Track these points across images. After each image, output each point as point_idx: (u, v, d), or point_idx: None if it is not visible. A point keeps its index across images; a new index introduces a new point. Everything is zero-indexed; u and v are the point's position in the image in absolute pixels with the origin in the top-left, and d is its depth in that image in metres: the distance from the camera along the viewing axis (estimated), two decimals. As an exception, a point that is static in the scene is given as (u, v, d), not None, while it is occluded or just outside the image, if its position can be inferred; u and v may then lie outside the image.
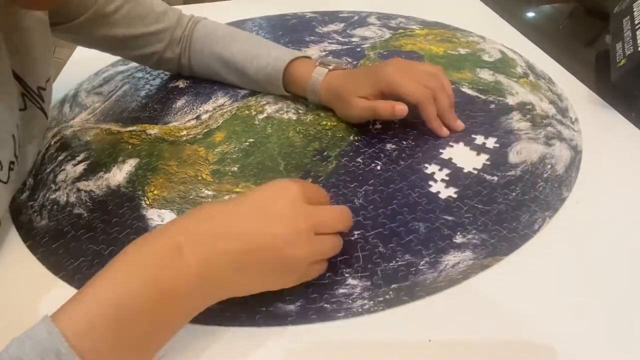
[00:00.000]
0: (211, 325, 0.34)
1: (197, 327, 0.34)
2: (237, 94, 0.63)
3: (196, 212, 0.32)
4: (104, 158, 0.53)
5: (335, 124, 0.56)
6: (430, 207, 0.43)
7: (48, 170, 0.52)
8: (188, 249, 0.29)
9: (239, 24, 0.84)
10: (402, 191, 0.45)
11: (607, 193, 0.44)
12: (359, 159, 0.50)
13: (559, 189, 0.44)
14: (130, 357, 0.28)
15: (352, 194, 0.45)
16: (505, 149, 0.50)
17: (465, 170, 0.47)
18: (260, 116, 0.58)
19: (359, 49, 0.73)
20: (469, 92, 0.60)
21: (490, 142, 0.51)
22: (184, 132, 0.56)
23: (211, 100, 0.62)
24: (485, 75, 0.63)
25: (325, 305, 0.35)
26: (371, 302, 0.35)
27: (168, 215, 0.44)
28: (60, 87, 0.69)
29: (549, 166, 0.47)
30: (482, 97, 0.58)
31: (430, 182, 0.46)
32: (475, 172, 0.47)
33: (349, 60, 0.70)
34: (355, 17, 0.85)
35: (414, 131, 0.53)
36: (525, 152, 0.49)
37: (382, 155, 0.50)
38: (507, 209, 0.42)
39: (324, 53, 0.73)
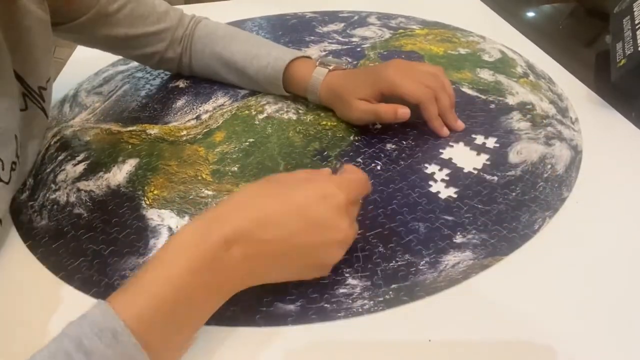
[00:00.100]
0: (211, 325, 0.34)
1: (197, 327, 0.34)
2: (237, 94, 0.63)
3: (243, 205, 0.32)
4: (104, 158, 0.53)
5: (335, 124, 0.56)
6: (430, 207, 0.43)
7: (48, 170, 0.52)
8: (236, 247, 0.30)
9: (239, 24, 0.84)
10: (402, 191, 0.45)
11: (607, 193, 0.44)
12: (359, 159, 0.50)
13: (559, 189, 0.44)
14: (175, 336, 0.30)
15: (352, 194, 0.45)
16: (505, 149, 0.50)
17: (465, 170, 0.47)
18: (260, 116, 0.58)
19: (359, 49, 0.73)
20: (469, 92, 0.60)
21: (490, 142, 0.51)
22: (184, 132, 0.56)
23: (211, 100, 0.62)
24: (486, 75, 0.63)
25: (326, 305, 0.35)
26: (371, 302, 0.35)
27: (168, 215, 0.44)
28: (60, 87, 0.69)
29: (549, 166, 0.47)
30: (482, 97, 0.58)
31: (430, 182, 0.46)
32: (475, 172, 0.47)
33: (349, 60, 0.70)
34: (355, 17, 0.85)
35: (414, 131, 0.53)
36: (525, 152, 0.49)
37: (382, 155, 0.50)
38: (507, 209, 0.42)
39: (324, 53, 0.73)
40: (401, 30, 0.78)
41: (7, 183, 0.42)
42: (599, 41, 0.73)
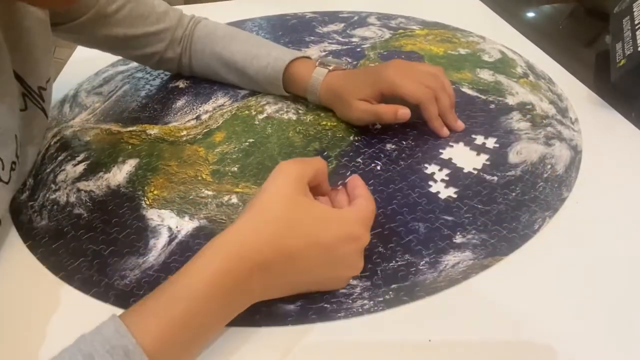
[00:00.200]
0: (211, 325, 0.34)
1: (197, 327, 0.34)
2: (237, 94, 0.63)
3: (273, 237, 0.32)
4: (104, 158, 0.53)
5: (335, 124, 0.56)
6: (430, 207, 0.43)
7: (48, 170, 0.52)
8: (256, 277, 0.31)
9: (239, 24, 0.85)
10: (402, 191, 0.45)
11: (607, 193, 0.44)
12: (358, 159, 0.50)
13: (559, 189, 0.44)
14: (184, 353, 0.30)
15: (352, 194, 0.45)
16: (505, 149, 0.50)
17: (465, 170, 0.47)
18: (260, 116, 0.58)
19: (359, 49, 0.73)
20: (469, 92, 0.60)
21: (490, 142, 0.51)
22: (184, 132, 0.56)
23: (211, 101, 0.62)
24: (485, 75, 0.63)
25: (325, 305, 0.35)
26: (371, 302, 0.35)
27: (168, 215, 0.44)
28: (60, 87, 0.69)
29: (549, 166, 0.47)
30: (482, 97, 0.58)
31: (430, 182, 0.46)
32: (475, 172, 0.47)
33: (349, 60, 0.70)
34: (355, 17, 0.85)
35: (414, 131, 0.53)
36: (525, 152, 0.49)
37: (382, 156, 0.50)
38: (507, 209, 0.42)
39: (324, 53, 0.73)
40: (401, 31, 0.78)
41: (6, 183, 0.42)
42: (599, 41, 0.73)
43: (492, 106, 0.57)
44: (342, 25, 0.82)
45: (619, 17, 0.62)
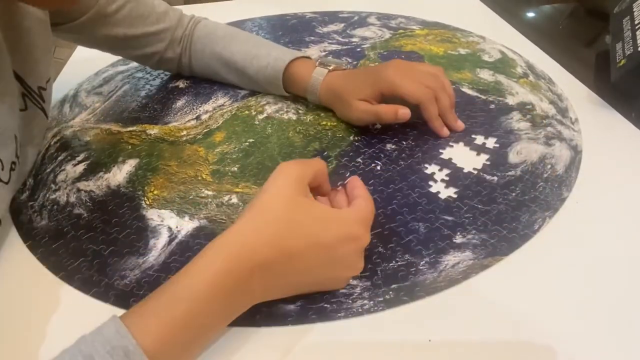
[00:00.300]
0: (211, 325, 0.34)
1: (197, 327, 0.34)
2: (237, 94, 0.63)
3: (273, 237, 0.31)
4: (104, 158, 0.53)
5: (335, 124, 0.56)
6: (430, 207, 0.43)
7: (48, 170, 0.52)
8: (256, 277, 0.31)
9: (239, 24, 0.85)
10: (402, 191, 0.45)
11: (607, 193, 0.44)
12: (358, 159, 0.50)
13: (559, 189, 0.44)
14: (185, 354, 0.30)
15: (352, 194, 0.45)
16: (505, 149, 0.50)
17: (465, 170, 0.47)
18: (260, 116, 0.58)
19: (359, 49, 0.73)
20: (469, 92, 0.60)
21: (490, 142, 0.51)
22: (184, 132, 0.56)
23: (211, 101, 0.62)
24: (485, 75, 0.63)
25: (325, 305, 0.35)
26: (371, 302, 0.35)
27: (168, 215, 0.44)
28: (60, 87, 0.69)
29: (549, 166, 0.47)
30: (482, 97, 0.58)
31: (430, 182, 0.46)
32: (475, 172, 0.47)
33: (349, 60, 0.70)
34: (355, 18, 0.85)
35: (414, 131, 0.53)
36: (525, 152, 0.49)
37: (382, 156, 0.50)
38: (507, 209, 0.42)
39: (324, 53, 0.73)
40: (401, 31, 0.78)
41: (6, 183, 0.42)
42: (599, 41, 0.73)
43: (492, 106, 0.57)
44: (342, 25, 0.82)
45: (619, 17, 0.62)
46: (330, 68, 0.55)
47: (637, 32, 0.54)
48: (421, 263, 0.38)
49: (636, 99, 0.54)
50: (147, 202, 0.46)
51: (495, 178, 0.46)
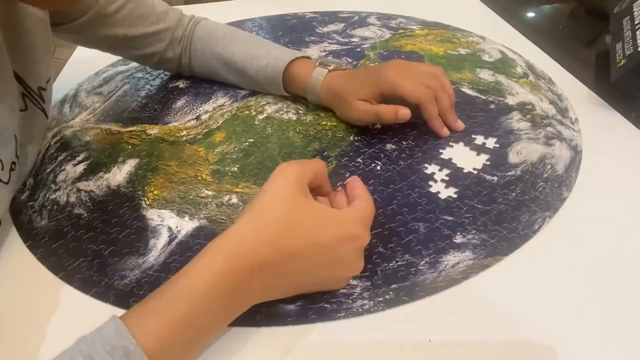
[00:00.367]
0: (211, 325, 0.34)
1: (197, 327, 0.34)
2: (237, 94, 0.63)
3: (273, 237, 0.31)
4: (104, 158, 0.53)
5: (335, 124, 0.56)
6: (430, 207, 0.43)
7: (48, 170, 0.52)
8: (256, 277, 0.31)
9: (239, 24, 0.85)
10: (402, 191, 0.45)
11: (607, 193, 0.44)
12: (358, 159, 0.50)
13: (559, 189, 0.44)
14: (185, 354, 0.30)
15: (352, 194, 0.45)
16: (505, 149, 0.50)
17: (465, 170, 0.47)
18: (260, 116, 0.58)
19: (359, 49, 0.73)
20: (469, 92, 0.60)
21: (490, 142, 0.51)
22: (184, 132, 0.56)
23: (211, 101, 0.62)
24: (485, 75, 0.63)
25: (325, 305, 0.35)
26: (371, 302, 0.35)
27: (168, 215, 0.44)
28: (60, 87, 0.69)
29: (549, 166, 0.47)
30: (482, 97, 0.58)
31: (430, 182, 0.46)
32: (475, 172, 0.47)
33: (349, 60, 0.70)
34: (355, 17, 0.85)
35: (414, 131, 0.53)
36: (525, 152, 0.49)
37: (382, 156, 0.50)
38: (507, 209, 0.42)
39: (324, 53, 0.73)
40: (401, 31, 0.78)
41: (6, 183, 0.42)
42: (599, 41, 0.73)
43: (492, 106, 0.57)
44: (342, 25, 0.82)
45: (619, 17, 0.62)
46: (330, 68, 0.55)
47: (637, 32, 0.54)
48: (421, 263, 0.38)
49: (636, 99, 0.54)
50: (147, 202, 0.46)
51: (495, 178, 0.46)
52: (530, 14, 0.89)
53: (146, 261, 0.40)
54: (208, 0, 0.99)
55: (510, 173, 0.46)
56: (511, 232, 0.40)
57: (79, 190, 0.49)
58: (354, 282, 0.37)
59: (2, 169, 0.41)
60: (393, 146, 0.51)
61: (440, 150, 0.50)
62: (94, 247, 0.42)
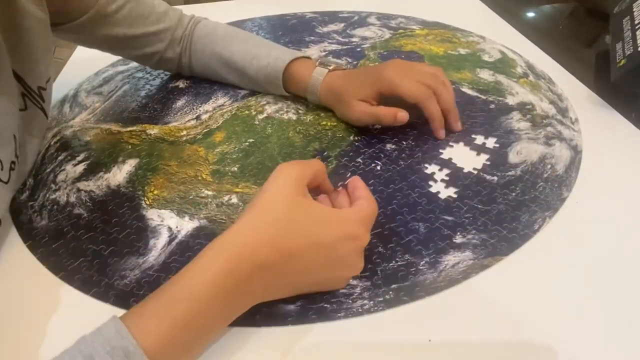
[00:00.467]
0: (211, 325, 0.34)
1: (197, 327, 0.34)
2: (237, 94, 0.63)
3: (273, 238, 0.32)
4: (104, 158, 0.53)
5: (335, 124, 0.56)
6: (430, 207, 0.43)
7: (48, 170, 0.52)
8: (257, 277, 0.31)
9: (239, 24, 0.85)
10: (402, 191, 0.45)
11: (607, 193, 0.44)
12: (358, 159, 0.50)
13: (559, 189, 0.44)
14: (185, 354, 0.30)
15: (352, 194, 0.45)
16: (505, 149, 0.50)
17: (465, 170, 0.47)
18: (260, 116, 0.58)
19: (359, 49, 0.73)
20: (469, 92, 0.60)
21: (490, 142, 0.51)
22: (184, 132, 0.56)
23: (211, 100, 0.62)
24: (485, 75, 0.63)
25: (325, 305, 0.35)
26: (371, 302, 0.35)
27: (168, 215, 0.44)
28: (60, 87, 0.69)
29: (549, 166, 0.47)
30: (482, 97, 0.58)
31: (430, 182, 0.46)
32: (475, 172, 0.47)
33: (349, 60, 0.70)
34: (355, 17, 0.85)
35: (414, 131, 0.53)
36: (525, 152, 0.49)
37: (382, 156, 0.50)
38: (507, 209, 0.42)
39: (324, 53, 0.73)
40: (401, 31, 0.78)
41: (6, 183, 0.42)
42: (599, 41, 0.73)
43: (492, 106, 0.57)
44: (342, 25, 0.82)
45: (619, 17, 0.62)
46: (331, 68, 0.55)
47: (637, 32, 0.54)
48: (421, 263, 0.38)
49: (636, 99, 0.54)
50: (147, 202, 0.46)
51: (495, 178, 0.46)
52: (530, 14, 0.89)
53: (146, 261, 0.40)
54: (208, 0, 0.99)
55: (510, 173, 0.46)
56: (511, 232, 0.40)
57: (79, 190, 0.49)
58: (354, 282, 0.37)
59: (2, 169, 0.42)
60: (393, 146, 0.51)
61: (440, 150, 0.50)
62: (94, 247, 0.42)
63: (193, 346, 0.30)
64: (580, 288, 0.36)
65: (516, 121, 0.54)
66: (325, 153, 0.51)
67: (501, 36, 0.73)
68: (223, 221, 0.43)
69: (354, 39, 0.77)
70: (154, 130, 0.57)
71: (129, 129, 0.58)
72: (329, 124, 0.56)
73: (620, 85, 0.54)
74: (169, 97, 0.64)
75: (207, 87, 0.65)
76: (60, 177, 0.51)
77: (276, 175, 0.34)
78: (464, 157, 0.49)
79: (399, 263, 0.38)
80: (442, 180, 0.46)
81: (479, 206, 0.43)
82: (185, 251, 0.41)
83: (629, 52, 0.54)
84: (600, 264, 0.37)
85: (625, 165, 0.47)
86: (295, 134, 0.54)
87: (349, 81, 0.53)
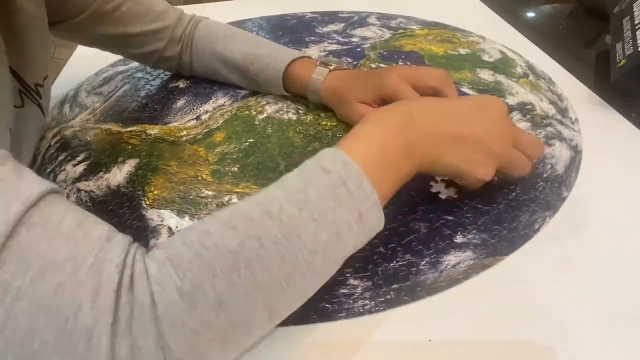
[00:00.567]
0: (212, 325, 0.34)
1: (198, 327, 0.34)
2: (237, 94, 0.63)
3: (423, 100, 0.41)
4: (104, 158, 0.53)
5: (335, 124, 0.56)
6: (430, 207, 0.43)
7: (48, 170, 0.52)
8: (417, 119, 0.36)
9: (239, 24, 0.84)
10: (402, 191, 0.45)
11: (607, 193, 0.44)
12: (359, 159, 0.50)
13: (559, 188, 0.44)
14: (383, 183, 0.34)
15: (352, 194, 0.45)
16: (505, 149, 0.49)
17: (466, 170, 0.47)
18: (260, 116, 0.58)
19: (359, 49, 0.73)
20: (469, 92, 0.60)
21: (491, 142, 0.50)
22: (184, 132, 0.56)
23: (211, 101, 0.62)
24: (485, 75, 0.63)
25: (326, 305, 0.35)
26: (372, 302, 0.35)
27: (168, 215, 0.44)
28: (60, 87, 0.69)
29: (549, 166, 0.47)
30: (482, 97, 0.58)
31: (431, 182, 0.46)
32: (476, 172, 0.47)
33: (349, 60, 0.70)
34: (355, 17, 0.85)
35: (414, 131, 0.53)
36: (525, 152, 0.49)
37: (383, 155, 0.50)
38: (507, 209, 0.42)
39: (324, 53, 0.73)
40: (401, 31, 0.78)
41: None
42: (599, 41, 0.73)
43: (492, 106, 0.57)
44: (342, 25, 0.82)
45: (619, 17, 0.62)
46: (331, 68, 0.55)
47: (637, 32, 0.55)
48: (422, 263, 0.38)
49: (636, 99, 0.54)
50: (147, 202, 0.46)
51: (496, 178, 0.46)
52: (530, 14, 0.89)
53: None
54: (208, 0, 0.99)
55: (510, 173, 0.46)
56: (511, 231, 0.40)
57: (79, 190, 0.49)
58: (355, 282, 0.37)
59: None
60: (393, 146, 0.51)
61: (441, 150, 0.50)
62: (94, 247, 0.42)
63: (388, 174, 0.35)
64: (580, 288, 0.36)
65: (516, 121, 0.54)
66: (326, 153, 0.51)
67: (501, 36, 0.73)
68: (223, 221, 0.43)
69: (354, 39, 0.77)
70: (154, 131, 0.57)
71: (129, 129, 0.58)
72: (329, 124, 0.56)
73: (620, 85, 0.54)
74: (169, 97, 0.64)
75: (207, 87, 0.65)
76: (60, 177, 0.51)
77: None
78: (464, 157, 0.49)
79: (399, 263, 0.38)
80: (443, 180, 0.46)
81: (480, 206, 0.43)
82: (185, 251, 0.41)
83: (629, 52, 0.54)
84: (600, 263, 0.37)
85: (625, 165, 0.47)
86: (296, 134, 0.54)
87: (350, 82, 0.53)
